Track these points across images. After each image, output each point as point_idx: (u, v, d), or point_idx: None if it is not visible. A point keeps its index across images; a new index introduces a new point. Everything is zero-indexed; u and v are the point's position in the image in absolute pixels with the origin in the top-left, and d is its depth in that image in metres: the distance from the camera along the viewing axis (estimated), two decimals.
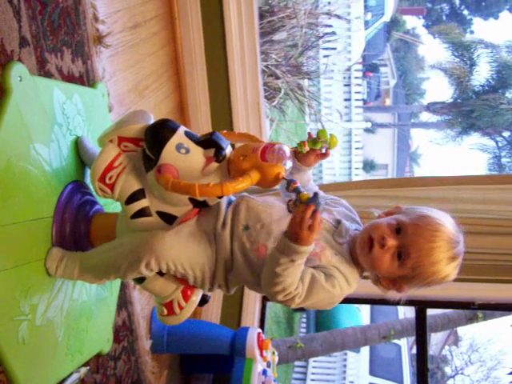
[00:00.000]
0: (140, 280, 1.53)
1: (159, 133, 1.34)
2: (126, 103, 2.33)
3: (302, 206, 1.19)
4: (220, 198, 1.42)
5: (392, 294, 1.41)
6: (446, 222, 1.34)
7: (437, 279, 1.34)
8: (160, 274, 1.49)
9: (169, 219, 1.44)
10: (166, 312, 1.56)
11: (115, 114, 2.14)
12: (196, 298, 1.56)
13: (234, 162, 1.33)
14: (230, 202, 1.50)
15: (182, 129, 1.37)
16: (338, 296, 1.34)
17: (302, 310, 9.80)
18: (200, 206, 1.43)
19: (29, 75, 1.49)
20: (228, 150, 1.36)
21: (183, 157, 1.33)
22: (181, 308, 1.54)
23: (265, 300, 3.30)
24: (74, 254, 1.58)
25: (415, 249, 1.31)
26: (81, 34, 1.84)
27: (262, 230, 1.39)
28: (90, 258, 1.56)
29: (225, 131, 1.45)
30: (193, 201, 1.39)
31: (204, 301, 1.61)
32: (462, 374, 16.02)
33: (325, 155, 1.46)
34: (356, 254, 1.38)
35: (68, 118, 1.69)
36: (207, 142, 1.35)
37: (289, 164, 1.32)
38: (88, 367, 1.91)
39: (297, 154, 1.46)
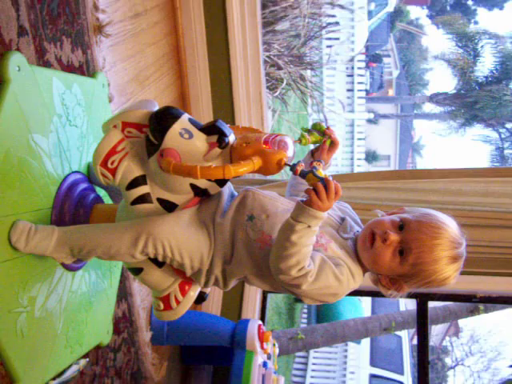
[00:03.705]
0: (137, 271, 1.52)
1: (163, 118, 1.35)
2: (126, 93, 2.31)
3: (327, 179, 1.22)
4: (221, 185, 1.41)
5: (392, 294, 1.41)
6: (450, 223, 1.35)
7: (436, 279, 1.33)
8: (158, 265, 1.48)
9: (169, 207, 1.43)
10: (162, 306, 1.55)
11: (115, 105, 2.13)
12: (194, 293, 1.55)
13: (237, 148, 1.33)
14: (232, 195, 1.49)
15: (185, 116, 1.38)
16: (345, 287, 1.34)
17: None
18: (201, 194, 1.42)
19: (27, 65, 1.47)
20: (231, 138, 1.36)
21: (186, 142, 1.33)
22: (178, 302, 1.53)
23: (266, 292, 3.29)
24: (49, 227, 1.49)
25: (417, 244, 1.31)
26: (80, 24, 1.82)
27: (267, 220, 1.39)
28: (77, 232, 1.48)
29: (228, 125, 1.45)
30: (194, 189, 1.38)
31: (202, 298, 1.60)
32: (462, 364, 16.08)
33: (335, 146, 1.48)
34: (359, 252, 1.38)
35: (67, 108, 1.67)
36: (210, 129, 1.35)
37: (291, 151, 1.33)
38: (87, 359, 1.91)
39: (313, 154, 1.49)
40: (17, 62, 1.43)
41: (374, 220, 1.40)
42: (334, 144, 1.48)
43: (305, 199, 1.25)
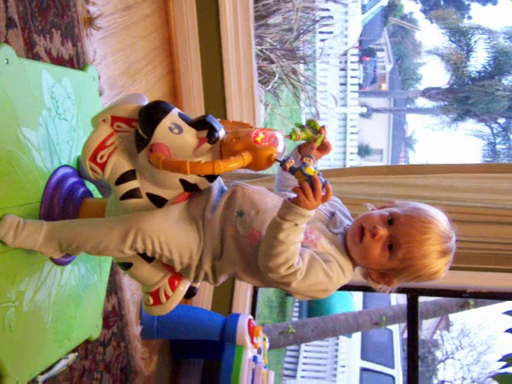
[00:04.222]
0: (126, 266, 1.51)
1: (153, 112, 1.34)
2: (117, 86, 2.30)
3: (314, 178, 1.21)
4: (211, 180, 1.40)
5: (382, 288, 1.41)
6: (439, 217, 1.34)
7: (426, 274, 1.33)
8: (147, 260, 1.47)
9: (159, 202, 1.42)
10: (151, 301, 1.54)
11: (106, 98, 2.11)
12: (183, 288, 1.55)
13: (227, 143, 1.33)
14: (222, 190, 1.48)
15: (175, 110, 1.37)
16: (335, 283, 1.34)
17: None
18: (191, 189, 1.41)
19: (16, 58, 1.46)
20: (221, 133, 1.35)
21: (176, 137, 1.32)
22: (167, 297, 1.53)
23: (256, 287, 3.29)
24: (37, 221, 1.48)
25: (406, 239, 1.31)
26: (71, 16, 1.81)
27: (257, 216, 1.38)
28: (66, 227, 1.48)
29: (219, 119, 1.44)
30: (184, 184, 1.37)
31: (191, 293, 1.60)
32: (452, 358, 16.18)
33: (326, 149, 1.47)
34: (348, 247, 1.38)
35: (57, 101, 1.66)
36: (200, 124, 1.34)
37: (281, 147, 1.32)
38: (77, 353, 1.90)
39: (300, 149, 1.49)
40: (5, 54, 1.41)
41: (363, 214, 1.40)
42: (326, 147, 1.47)
43: (292, 197, 1.24)
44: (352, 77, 12.31)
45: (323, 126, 1.48)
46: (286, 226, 1.22)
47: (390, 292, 1.45)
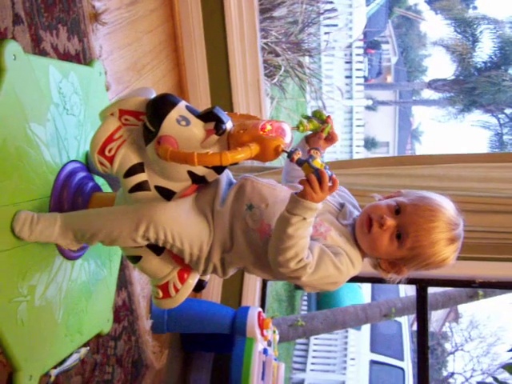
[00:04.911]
0: (136, 259, 1.52)
1: (160, 105, 1.34)
2: (123, 81, 2.30)
3: (321, 171, 1.21)
4: (219, 172, 1.41)
5: (392, 277, 1.41)
6: (446, 205, 1.35)
7: (435, 261, 1.34)
8: (156, 253, 1.48)
9: (167, 194, 1.43)
10: (161, 294, 1.55)
11: (113, 93, 2.12)
12: (192, 281, 1.55)
13: (234, 135, 1.33)
14: (230, 183, 1.48)
15: (183, 103, 1.37)
16: (345, 275, 1.34)
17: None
18: (199, 181, 1.42)
19: (23, 54, 1.47)
20: (228, 125, 1.35)
21: (183, 129, 1.33)
22: (176, 290, 1.53)
23: (266, 279, 3.30)
24: (51, 214, 1.49)
25: (414, 228, 1.31)
26: (76, 11, 1.81)
27: (266, 209, 1.39)
28: (79, 218, 1.49)
29: (226, 112, 1.44)
30: (192, 176, 1.38)
31: (201, 286, 1.60)
32: (461, 350, 16.15)
33: (332, 140, 1.48)
34: (357, 237, 1.38)
35: (64, 97, 1.67)
36: (208, 116, 1.35)
37: (288, 138, 1.32)
38: (88, 347, 1.91)
39: (308, 140, 1.49)
40: (13, 50, 1.42)
41: (370, 205, 1.40)
42: (331, 138, 1.48)
43: (299, 191, 1.24)
44: (357, 69, 12.28)
45: (329, 116, 1.48)
46: (295, 220, 1.23)
47: (400, 281, 1.45)
